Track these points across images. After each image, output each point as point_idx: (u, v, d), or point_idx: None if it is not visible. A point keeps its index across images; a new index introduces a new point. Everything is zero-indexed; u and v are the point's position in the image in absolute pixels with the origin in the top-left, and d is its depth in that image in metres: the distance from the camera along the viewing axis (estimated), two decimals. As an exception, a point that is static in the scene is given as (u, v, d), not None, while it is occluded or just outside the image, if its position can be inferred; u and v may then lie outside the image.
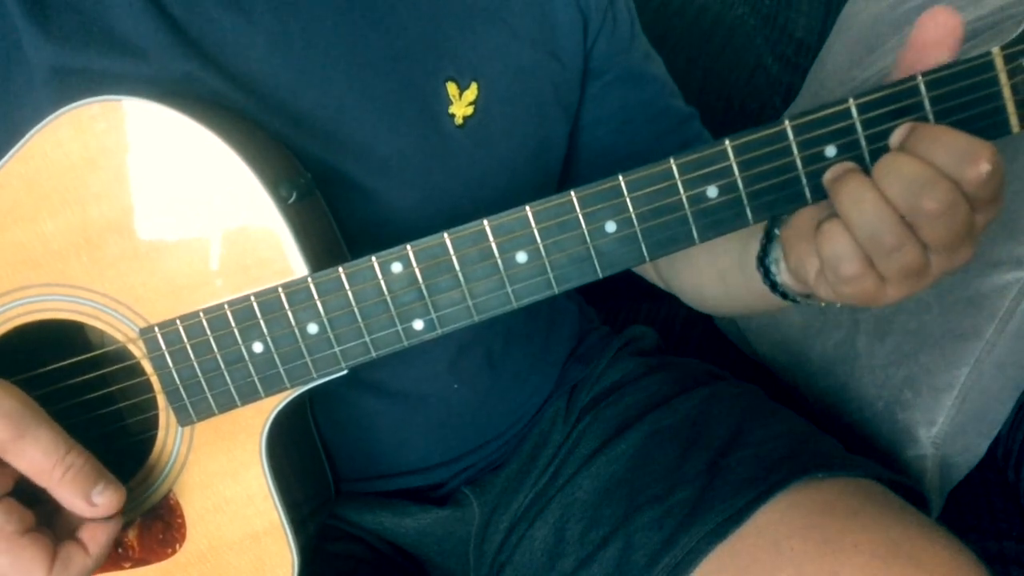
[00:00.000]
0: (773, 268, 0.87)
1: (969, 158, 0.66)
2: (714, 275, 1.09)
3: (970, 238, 0.71)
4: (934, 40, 0.70)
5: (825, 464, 1.03)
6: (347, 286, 0.80)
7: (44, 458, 0.75)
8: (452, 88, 0.99)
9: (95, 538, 0.80)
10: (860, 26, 1.65)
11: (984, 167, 0.66)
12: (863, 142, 0.71)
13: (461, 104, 1.00)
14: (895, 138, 0.70)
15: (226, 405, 0.85)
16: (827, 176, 0.72)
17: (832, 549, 0.92)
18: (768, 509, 0.99)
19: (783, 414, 1.16)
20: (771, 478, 1.01)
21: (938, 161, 0.67)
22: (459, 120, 1.00)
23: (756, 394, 1.22)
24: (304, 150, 0.93)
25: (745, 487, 1.01)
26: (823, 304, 0.86)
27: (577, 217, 0.76)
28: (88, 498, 0.77)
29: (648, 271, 1.28)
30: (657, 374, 1.24)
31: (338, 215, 0.93)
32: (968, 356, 1.24)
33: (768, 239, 0.87)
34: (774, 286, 0.88)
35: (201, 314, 0.82)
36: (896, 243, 0.69)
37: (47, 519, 0.79)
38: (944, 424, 1.24)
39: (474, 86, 1.00)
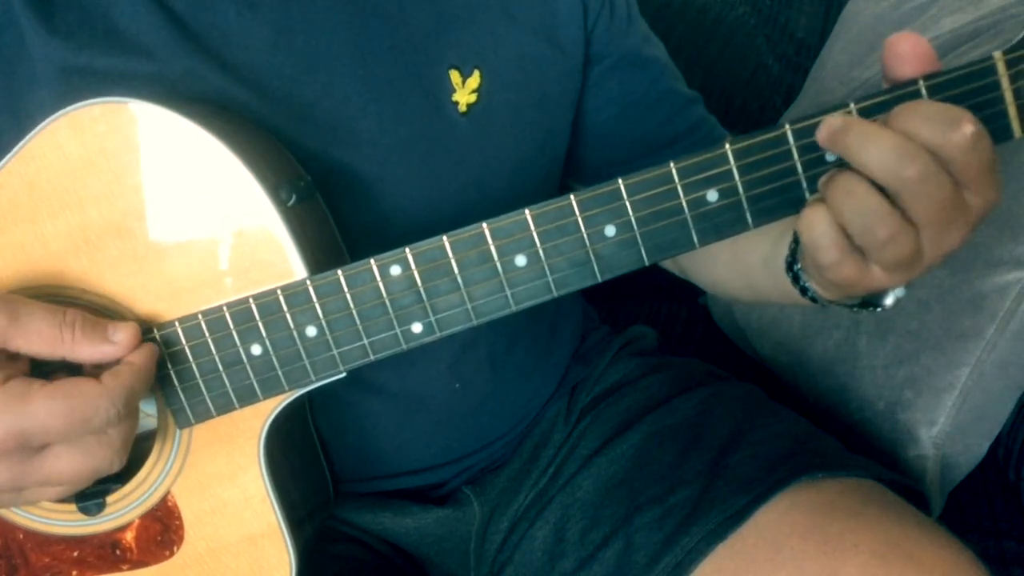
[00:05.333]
0: (803, 275, 0.86)
1: (952, 123, 0.66)
2: (739, 271, 1.09)
3: (960, 216, 0.70)
4: (906, 55, 0.70)
5: (825, 464, 1.03)
6: (346, 289, 0.80)
7: (49, 326, 0.75)
8: (455, 76, 0.99)
9: (134, 362, 0.78)
10: (861, 26, 1.65)
11: (968, 128, 0.66)
12: (864, 146, 0.70)
13: (464, 92, 1.00)
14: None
15: (224, 407, 0.85)
16: (821, 180, 0.72)
17: (832, 549, 0.92)
18: (768, 509, 0.99)
19: (783, 414, 1.16)
20: (771, 478, 1.01)
21: (922, 132, 0.67)
22: (463, 108, 1.00)
23: (756, 394, 1.22)
24: (308, 142, 0.93)
25: (745, 487, 1.01)
26: (854, 310, 0.86)
27: (576, 221, 0.75)
28: (109, 339, 0.77)
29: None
30: (658, 374, 1.24)
31: (344, 206, 0.93)
32: (969, 356, 1.23)
33: (796, 242, 0.87)
34: (804, 291, 0.87)
35: (200, 316, 0.82)
36: (890, 234, 0.68)
37: None
38: (945, 424, 1.24)
39: (477, 74, 1.00)
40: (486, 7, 1.02)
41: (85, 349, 0.76)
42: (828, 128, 0.70)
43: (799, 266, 0.86)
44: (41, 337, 0.75)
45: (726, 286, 1.17)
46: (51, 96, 0.88)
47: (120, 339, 0.77)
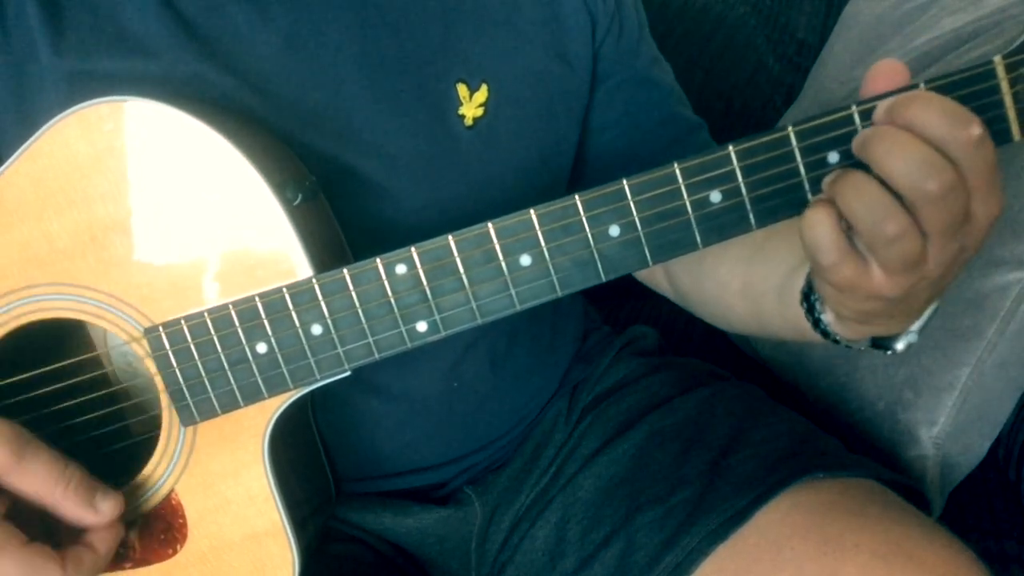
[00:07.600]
0: (818, 305, 0.85)
1: (963, 122, 0.66)
2: (748, 298, 1.07)
3: (965, 226, 0.70)
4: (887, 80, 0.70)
5: (826, 464, 1.03)
6: (351, 287, 0.80)
7: (48, 474, 0.77)
8: (462, 89, 1.00)
9: (104, 540, 0.81)
10: (862, 26, 1.65)
11: (976, 128, 0.66)
12: (866, 148, 0.70)
13: (471, 105, 1.00)
14: (880, 111, 0.69)
15: (229, 405, 0.85)
16: (826, 180, 0.72)
17: (833, 549, 0.92)
18: (769, 509, 0.99)
19: (784, 414, 1.16)
20: (772, 478, 1.01)
21: (935, 126, 0.66)
22: (469, 121, 1.00)
23: (757, 394, 1.22)
24: (313, 149, 0.93)
25: (746, 487, 1.01)
26: (862, 348, 0.86)
27: (581, 220, 0.76)
28: (92, 506, 0.79)
29: (660, 283, 1.27)
30: (658, 374, 1.24)
31: (346, 214, 0.93)
32: (969, 356, 1.23)
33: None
34: (817, 323, 0.86)
35: (205, 314, 0.82)
36: (899, 231, 0.68)
37: (46, 537, 0.80)
38: (945, 424, 1.24)
39: (484, 88, 1.01)
40: (495, 21, 1.02)
41: (69, 506, 0.79)
42: (861, 137, 0.69)
43: (816, 296, 0.85)
44: (38, 482, 0.78)
45: (728, 312, 1.14)
46: (59, 99, 0.88)
47: (104, 509, 0.80)
